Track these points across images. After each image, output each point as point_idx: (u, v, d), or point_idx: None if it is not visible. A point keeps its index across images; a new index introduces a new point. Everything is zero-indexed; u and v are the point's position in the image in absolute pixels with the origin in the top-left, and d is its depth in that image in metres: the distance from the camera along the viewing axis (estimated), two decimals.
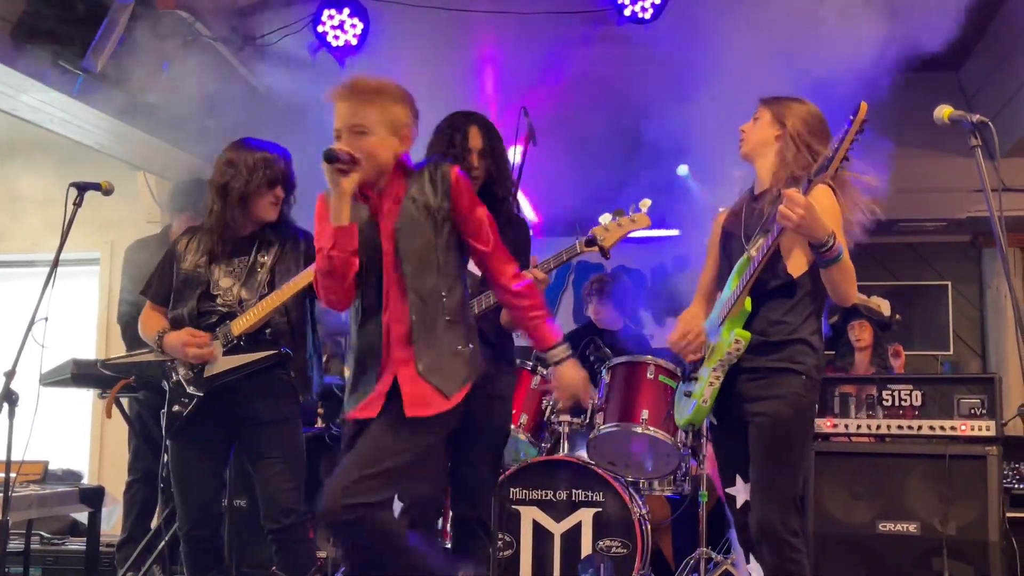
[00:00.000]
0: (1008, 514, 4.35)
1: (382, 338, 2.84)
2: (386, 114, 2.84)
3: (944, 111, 2.91)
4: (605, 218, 3.52)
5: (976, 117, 2.83)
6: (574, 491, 4.42)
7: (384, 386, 2.82)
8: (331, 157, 2.74)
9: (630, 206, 3.52)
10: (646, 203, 3.50)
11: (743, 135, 3.36)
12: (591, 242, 3.50)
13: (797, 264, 3.13)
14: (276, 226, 3.70)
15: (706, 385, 3.19)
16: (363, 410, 2.85)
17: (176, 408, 3.57)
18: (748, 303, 3.13)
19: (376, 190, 2.89)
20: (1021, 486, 4.93)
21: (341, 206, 2.79)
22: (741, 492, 3.25)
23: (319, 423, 5.59)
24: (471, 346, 2.90)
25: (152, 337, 3.63)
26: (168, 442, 3.62)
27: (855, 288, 3.13)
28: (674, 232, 6.72)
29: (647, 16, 5.28)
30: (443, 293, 2.84)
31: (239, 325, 3.54)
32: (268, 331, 3.58)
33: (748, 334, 3.10)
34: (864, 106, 2.82)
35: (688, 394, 3.31)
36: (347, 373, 3.01)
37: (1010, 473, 4.89)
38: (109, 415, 4.34)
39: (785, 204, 2.88)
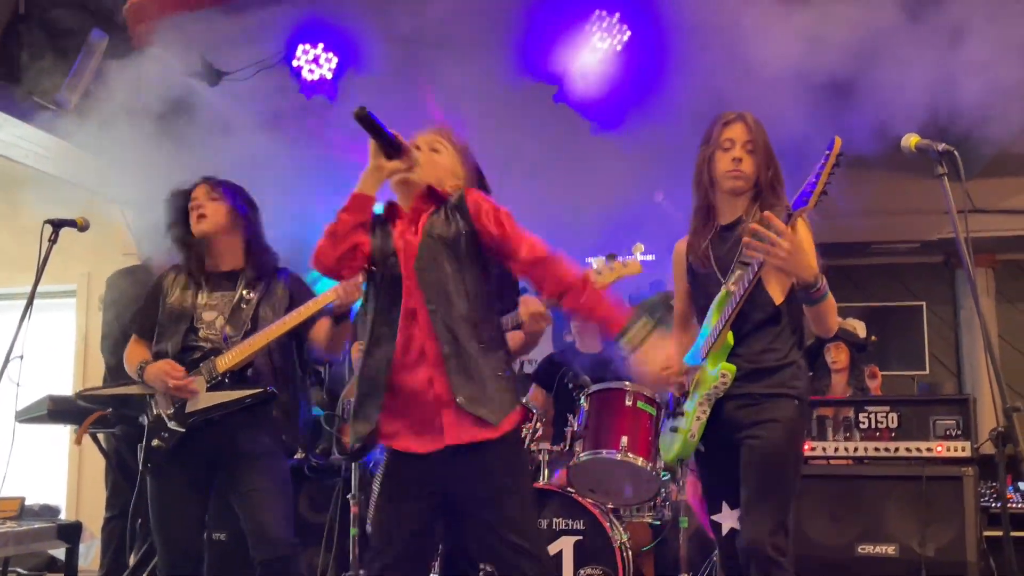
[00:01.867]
0: (985, 533, 4.38)
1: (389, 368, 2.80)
2: (460, 156, 2.93)
3: (911, 140, 2.96)
4: (598, 261, 3.53)
5: (942, 145, 2.88)
6: (554, 519, 4.41)
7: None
8: (363, 117, 2.66)
9: (623, 251, 3.55)
10: (639, 248, 3.54)
11: (741, 170, 3.20)
12: None
13: (778, 292, 3.15)
14: (259, 262, 3.73)
15: (693, 420, 3.18)
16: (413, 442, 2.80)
17: (156, 443, 3.54)
18: (730, 337, 3.14)
19: (408, 209, 2.89)
20: (998, 505, 4.97)
21: (371, 177, 2.78)
22: (727, 519, 3.25)
23: (299, 454, 5.57)
24: (509, 372, 2.87)
25: (134, 369, 3.62)
26: (148, 479, 3.59)
27: (837, 320, 3.16)
28: (649, 257, 6.75)
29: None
30: (475, 322, 2.79)
31: (224, 362, 3.53)
32: (250, 371, 3.57)
33: (733, 367, 3.11)
34: (839, 141, 2.83)
35: (675, 429, 3.31)
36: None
37: (987, 492, 4.93)
38: (78, 442, 4.32)
39: (772, 240, 2.87)
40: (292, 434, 3.71)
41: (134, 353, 3.70)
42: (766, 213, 2.94)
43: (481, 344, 2.78)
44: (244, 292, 3.65)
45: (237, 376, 3.54)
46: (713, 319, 3.19)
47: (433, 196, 2.89)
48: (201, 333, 3.59)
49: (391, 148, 2.73)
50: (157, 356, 3.62)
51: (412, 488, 2.80)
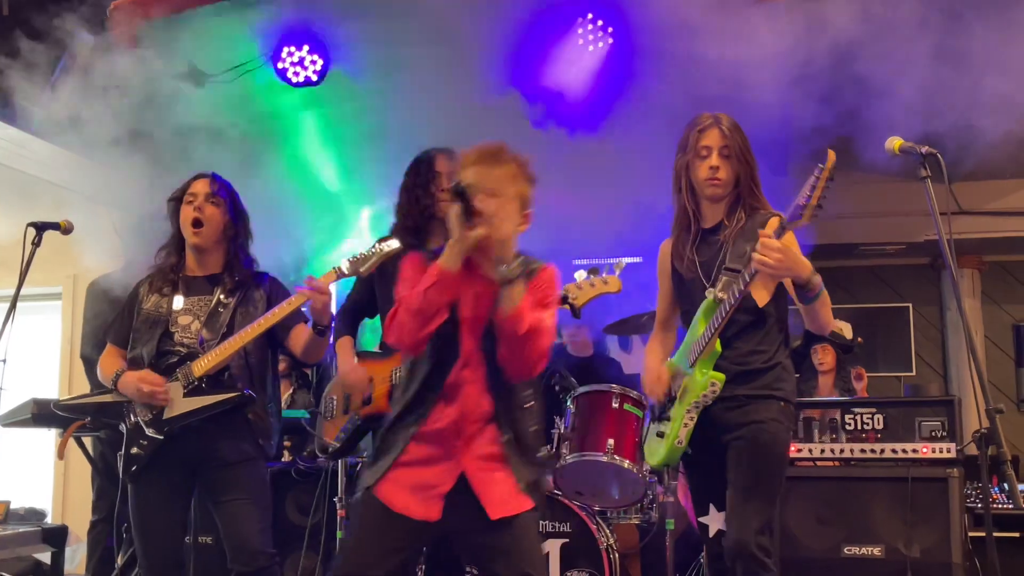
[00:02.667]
0: (970, 533, 4.39)
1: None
2: (521, 189, 2.72)
3: (895, 143, 2.97)
4: (580, 275, 3.53)
5: (925, 148, 2.89)
6: (541, 522, 4.40)
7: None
8: (460, 191, 2.56)
9: (604, 267, 3.55)
10: (620, 265, 3.53)
11: (719, 178, 3.23)
12: (563, 300, 3.48)
13: (762, 295, 3.16)
14: (238, 268, 3.69)
15: (680, 426, 3.20)
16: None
17: (135, 451, 3.51)
18: (718, 345, 3.15)
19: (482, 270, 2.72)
20: (983, 506, 4.98)
21: (456, 253, 2.62)
22: (715, 521, 3.26)
23: (286, 456, 5.55)
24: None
25: (109, 378, 3.59)
26: (128, 485, 3.55)
27: (831, 316, 3.17)
28: (636, 259, 6.76)
29: None
30: (526, 393, 2.79)
31: (200, 366, 3.48)
32: (226, 375, 3.53)
33: (723, 376, 3.12)
34: (832, 154, 2.80)
35: (661, 435, 3.32)
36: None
37: (972, 493, 4.94)
38: (61, 456, 4.28)
39: (760, 250, 2.88)
40: (268, 438, 3.67)
41: (109, 362, 3.67)
42: (763, 240, 2.91)
43: (527, 405, 2.79)
44: (222, 297, 3.62)
45: (214, 380, 3.50)
46: (700, 326, 3.19)
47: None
48: (176, 337, 3.56)
49: (473, 215, 2.59)
50: (132, 362, 3.59)
51: (408, 543, 2.77)
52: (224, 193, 3.69)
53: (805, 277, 2.95)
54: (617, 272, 3.52)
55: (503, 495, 2.69)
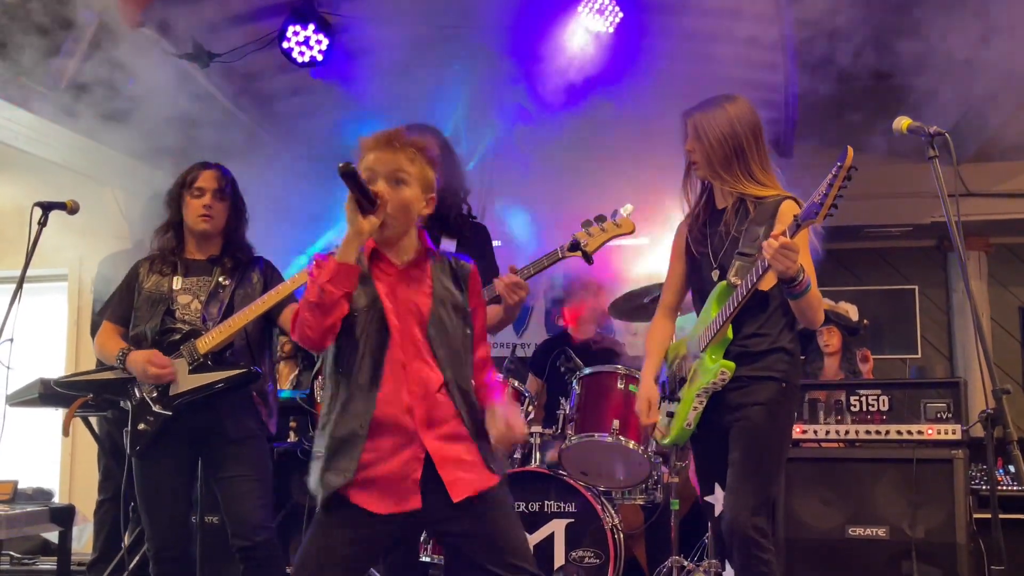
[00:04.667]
0: (975, 515, 4.40)
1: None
2: (423, 172, 2.71)
3: (903, 123, 2.96)
4: (587, 224, 3.47)
5: (933, 128, 2.89)
6: (546, 502, 4.42)
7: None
8: (348, 174, 2.52)
9: (611, 212, 3.47)
10: (628, 208, 3.45)
11: (694, 160, 3.31)
12: (574, 247, 3.43)
13: (767, 278, 3.16)
14: (236, 251, 3.76)
15: (690, 408, 3.22)
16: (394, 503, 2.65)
17: (142, 427, 3.56)
18: (730, 331, 3.17)
19: (399, 262, 2.72)
20: (987, 487, 4.99)
21: (352, 244, 2.60)
22: (719, 500, 3.27)
23: (292, 437, 5.57)
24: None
25: (114, 355, 3.62)
26: (133, 461, 3.60)
27: (822, 314, 3.17)
28: (643, 240, 6.75)
29: None
30: (473, 383, 2.76)
31: (205, 343, 3.55)
32: (229, 352, 3.60)
33: (733, 365, 3.13)
34: (851, 152, 2.77)
35: (670, 415, 3.34)
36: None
37: (977, 474, 4.95)
38: (66, 433, 4.30)
39: (778, 250, 2.86)
40: (271, 415, 3.75)
41: (108, 339, 3.70)
42: (780, 240, 2.89)
43: (479, 407, 2.74)
44: (220, 278, 3.69)
45: (218, 357, 3.58)
46: (712, 311, 3.20)
47: (419, 250, 2.76)
48: (178, 315, 3.62)
49: (369, 203, 2.57)
50: (135, 340, 3.63)
51: (373, 544, 2.70)
52: (229, 188, 3.77)
53: (789, 274, 2.92)
54: (627, 214, 3.43)
55: (467, 473, 2.64)
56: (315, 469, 2.64)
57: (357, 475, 2.59)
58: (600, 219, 3.47)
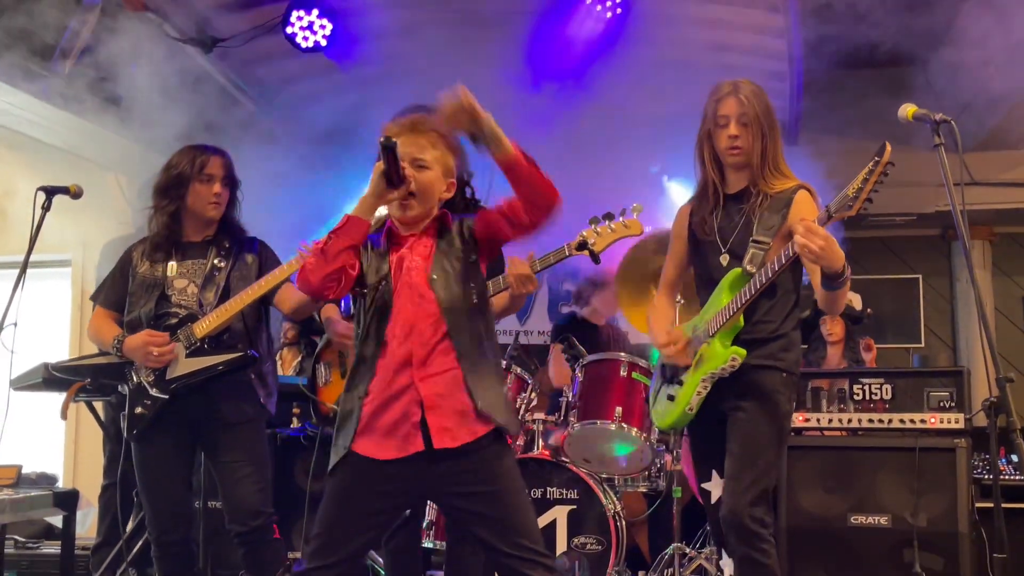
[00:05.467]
0: (977, 504, 4.40)
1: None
2: (444, 158, 2.79)
3: (908, 110, 2.95)
4: (595, 221, 3.43)
5: (939, 116, 2.88)
6: (549, 489, 4.43)
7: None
8: (389, 147, 2.61)
9: (620, 210, 3.43)
10: (638, 208, 3.40)
11: (738, 146, 3.22)
12: (582, 246, 3.41)
13: (813, 272, 3.15)
14: (230, 233, 3.76)
15: (693, 393, 3.20)
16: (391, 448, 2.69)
17: (139, 411, 3.56)
18: (741, 319, 3.15)
19: (413, 233, 2.80)
20: (990, 476, 4.98)
21: (367, 204, 2.71)
22: (716, 487, 3.27)
23: (295, 423, 5.58)
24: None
25: (108, 343, 3.62)
26: (132, 445, 3.61)
27: (845, 302, 3.17)
28: (648, 229, 6.73)
29: None
30: (483, 336, 2.76)
31: (202, 327, 3.55)
32: (226, 336, 3.60)
33: (744, 352, 3.11)
34: (888, 147, 2.78)
35: (671, 398, 3.32)
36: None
37: (979, 463, 4.94)
38: (64, 416, 4.31)
39: (805, 235, 2.84)
40: (270, 397, 3.75)
41: (103, 324, 3.72)
42: (808, 225, 2.86)
43: (491, 357, 2.77)
44: (215, 261, 3.69)
45: (215, 341, 3.58)
46: (724, 297, 3.17)
47: (437, 222, 2.83)
48: (174, 299, 3.62)
49: (397, 179, 2.67)
50: (130, 325, 3.63)
51: (387, 495, 2.71)
52: (233, 175, 3.78)
53: (838, 269, 2.91)
54: (636, 215, 3.40)
55: (455, 421, 2.66)
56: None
57: (359, 425, 2.67)
58: (608, 217, 3.43)
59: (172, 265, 3.66)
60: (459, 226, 2.82)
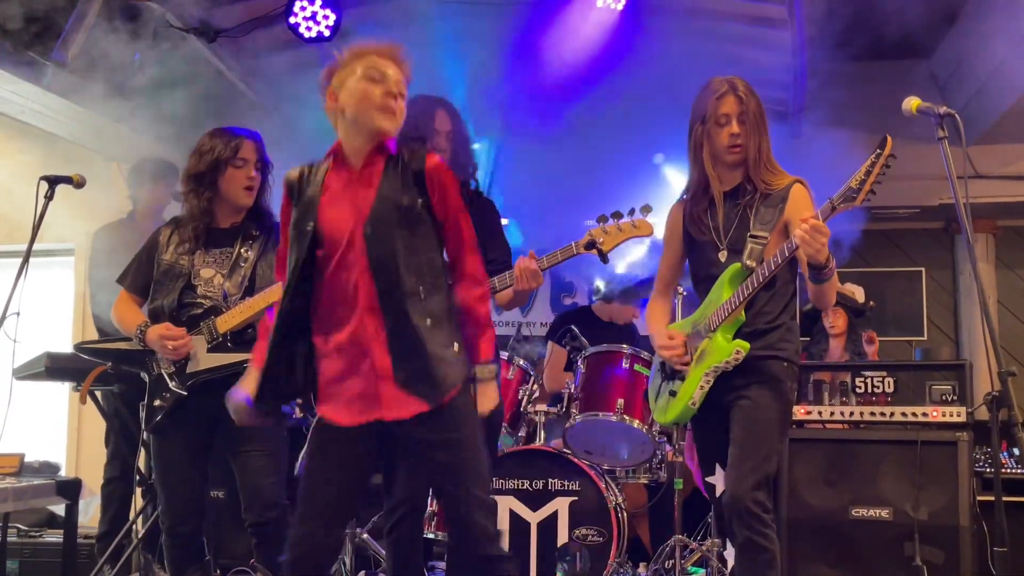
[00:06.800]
0: (979, 497, 4.40)
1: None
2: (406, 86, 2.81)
3: (912, 103, 2.95)
4: (603, 219, 3.39)
5: (943, 109, 2.88)
6: (550, 480, 4.43)
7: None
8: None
9: (628, 209, 3.39)
10: (647, 208, 3.36)
11: (739, 144, 3.23)
12: (590, 245, 3.38)
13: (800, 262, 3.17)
14: (258, 219, 3.68)
15: (696, 388, 3.22)
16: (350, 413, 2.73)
17: (158, 403, 3.54)
18: (743, 314, 3.17)
19: (356, 164, 2.75)
20: (992, 470, 4.98)
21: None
22: (721, 480, 3.28)
23: (298, 413, 5.58)
24: (456, 346, 2.71)
25: (132, 331, 3.59)
26: (149, 436, 3.59)
27: (835, 295, 3.21)
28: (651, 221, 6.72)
29: None
30: (421, 296, 2.67)
31: (225, 322, 3.51)
32: (250, 331, 3.53)
33: (747, 345, 3.14)
34: (890, 140, 2.83)
35: (673, 393, 3.33)
36: None
37: (981, 457, 4.94)
38: (83, 401, 4.31)
39: (810, 232, 2.88)
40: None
41: (126, 309, 3.67)
42: (812, 223, 2.89)
43: (428, 321, 2.67)
44: (242, 250, 3.61)
45: (238, 337, 3.53)
46: (725, 292, 3.19)
47: (384, 148, 2.77)
48: (199, 291, 3.56)
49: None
50: (152, 313, 3.59)
51: (342, 458, 2.75)
52: (267, 159, 3.70)
53: (821, 261, 2.96)
54: (645, 215, 3.36)
55: (391, 394, 2.67)
56: None
57: (322, 391, 2.72)
58: (616, 216, 3.39)
59: (200, 254, 3.59)
60: (406, 163, 2.75)
